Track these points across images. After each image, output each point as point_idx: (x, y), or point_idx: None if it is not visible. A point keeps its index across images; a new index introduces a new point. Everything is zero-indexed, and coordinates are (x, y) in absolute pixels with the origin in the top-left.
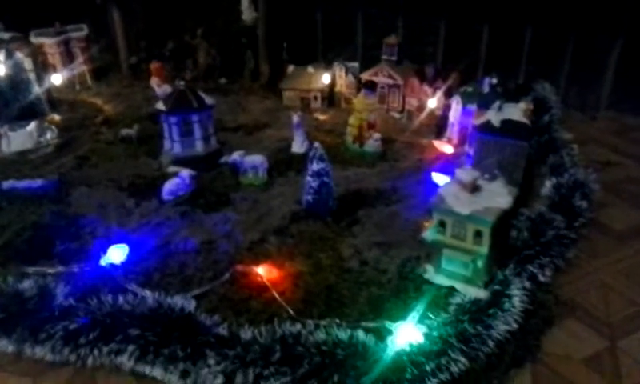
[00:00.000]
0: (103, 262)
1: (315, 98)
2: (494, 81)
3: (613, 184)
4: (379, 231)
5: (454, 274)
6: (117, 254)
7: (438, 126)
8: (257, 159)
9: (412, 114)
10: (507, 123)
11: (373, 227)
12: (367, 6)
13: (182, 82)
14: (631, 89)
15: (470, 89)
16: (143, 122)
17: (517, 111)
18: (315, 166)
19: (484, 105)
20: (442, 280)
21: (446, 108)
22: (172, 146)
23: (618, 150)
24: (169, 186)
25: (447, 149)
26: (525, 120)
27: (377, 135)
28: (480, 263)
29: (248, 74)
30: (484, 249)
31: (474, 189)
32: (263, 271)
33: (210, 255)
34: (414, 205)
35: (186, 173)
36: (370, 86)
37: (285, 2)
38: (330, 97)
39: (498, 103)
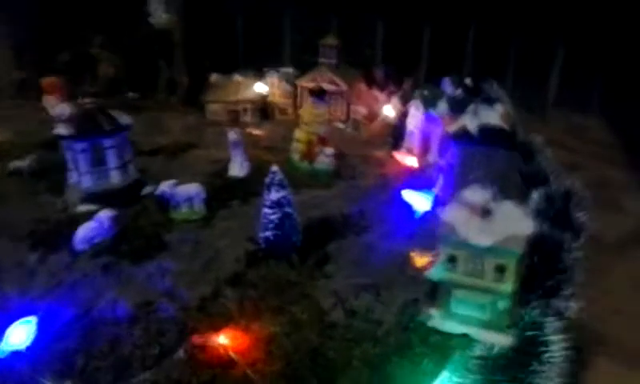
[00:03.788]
0: (1, 348)
1: (245, 110)
2: (468, 81)
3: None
4: (359, 270)
5: (468, 319)
6: (19, 334)
7: (395, 136)
8: (191, 189)
9: (359, 123)
10: (488, 130)
11: (350, 265)
12: (295, 4)
13: (90, 100)
14: (576, 86)
15: (426, 92)
16: (38, 152)
17: (494, 115)
18: (274, 195)
19: (455, 109)
20: (452, 327)
21: (402, 115)
22: (80, 179)
23: (579, 151)
24: (83, 231)
25: (411, 161)
26: (504, 125)
27: (329, 150)
28: (503, 304)
29: (163, 86)
30: (508, 286)
31: (485, 213)
32: (225, 339)
33: (151, 322)
34: (390, 232)
35: (103, 214)
36: (319, 94)
37: (203, 2)
38: (263, 108)
39: (473, 106)
